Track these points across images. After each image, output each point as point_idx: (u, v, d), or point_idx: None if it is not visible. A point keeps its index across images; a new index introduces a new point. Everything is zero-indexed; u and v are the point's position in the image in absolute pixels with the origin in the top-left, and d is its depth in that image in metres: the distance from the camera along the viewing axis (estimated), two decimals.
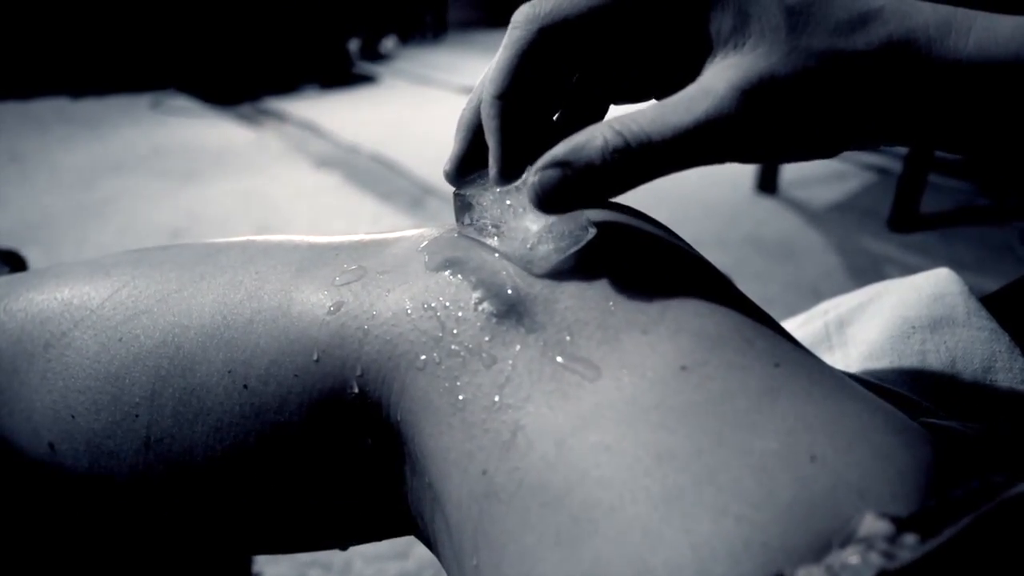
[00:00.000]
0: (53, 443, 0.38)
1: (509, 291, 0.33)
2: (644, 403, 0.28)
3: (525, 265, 0.34)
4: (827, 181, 2.92)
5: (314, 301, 0.36)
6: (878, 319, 0.46)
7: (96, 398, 0.37)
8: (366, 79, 4.93)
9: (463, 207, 0.36)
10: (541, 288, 0.33)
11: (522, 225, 0.34)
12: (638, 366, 0.29)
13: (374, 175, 2.95)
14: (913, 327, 0.45)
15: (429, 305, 0.34)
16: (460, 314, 0.33)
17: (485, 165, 0.37)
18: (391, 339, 0.34)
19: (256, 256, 0.40)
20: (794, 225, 2.48)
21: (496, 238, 0.35)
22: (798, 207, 2.63)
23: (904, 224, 2.43)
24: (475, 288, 0.33)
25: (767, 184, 2.78)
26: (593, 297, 0.32)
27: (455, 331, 0.33)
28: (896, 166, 2.98)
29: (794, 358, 0.30)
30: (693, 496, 0.25)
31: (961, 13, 0.31)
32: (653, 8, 0.32)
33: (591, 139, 0.31)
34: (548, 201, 0.32)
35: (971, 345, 0.44)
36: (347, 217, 2.51)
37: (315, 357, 0.35)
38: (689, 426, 0.27)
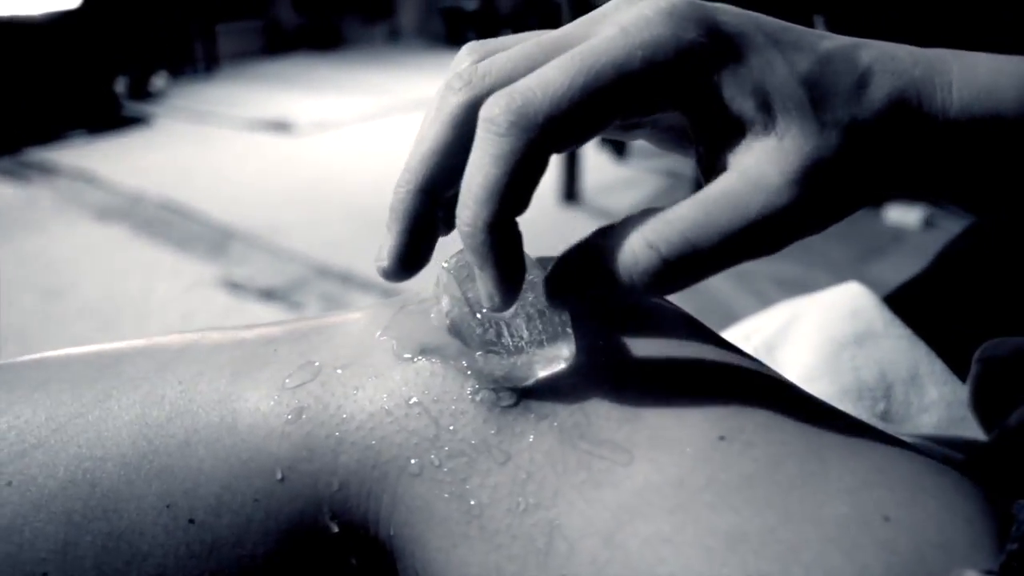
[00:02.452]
0: None
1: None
2: (693, 483, 0.26)
3: (508, 380, 0.30)
4: (626, 187, 3.05)
5: (266, 410, 0.31)
6: (805, 340, 0.47)
7: None
8: (138, 120, 4.61)
9: (460, 307, 0.31)
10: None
11: (512, 343, 0.31)
12: (672, 442, 0.27)
13: (165, 223, 2.76)
14: (840, 344, 0.46)
15: (414, 401, 0.30)
16: (455, 407, 0.29)
17: (425, 262, 0.32)
18: (373, 444, 0.30)
19: (171, 362, 0.34)
20: None
21: (481, 352, 0.31)
22: (602, 213, 2.74)
23: None
24: (468, 376, 0.30)
25: (571, 193, 2.86)
26: (597, 371, 0.30)
27: (452, 427, 0.29)
28: (685, 169, 3.17)
29: (816, 405, 0.30)
30: None
31: (938, 61, 0.30)
32: (663, 90, 0.28)
33: (617, 252, 0.28)
34: (569, 319, 0.30)
35: (895, 355, 0.46)
36: (143, 272, 2.33)
37: (278, 476, 0.30)
38: (750, 502, 0.25)
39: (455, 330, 0.32)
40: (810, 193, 0.28)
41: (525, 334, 0.31)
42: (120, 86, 4.72)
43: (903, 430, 0.42)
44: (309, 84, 5.52)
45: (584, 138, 0.29)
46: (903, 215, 2.73)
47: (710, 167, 0.30)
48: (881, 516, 0.25)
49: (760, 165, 0.28)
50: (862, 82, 0.29)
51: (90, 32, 4.44)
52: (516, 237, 0.29)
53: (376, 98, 5.02)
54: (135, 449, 0.31)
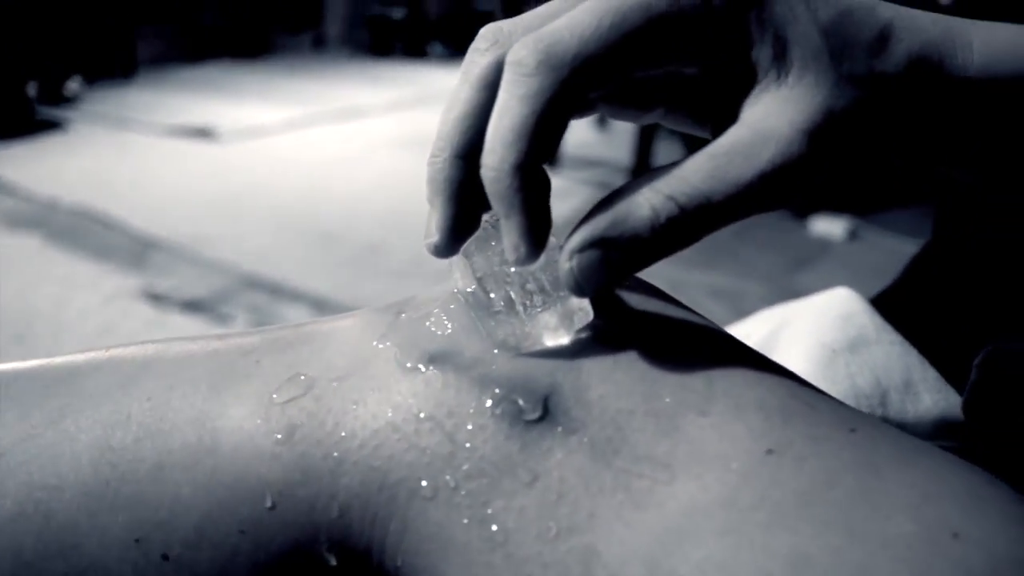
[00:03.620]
0: None
1: (530, 386, 0.27)
2: (743, 502, 0.24)
3: (518, 344, 0.28)
4: (555, 198, 3.04)
5: (251, 429, 0.28)
6: (796, 347, 0.46)
7: None
8: (52, 125, 4.40)
9: (473, 280, 0.30)
10: (562, 377, 0.27)
11: (535, 304, 0.29)
12: (716, 458, 0.25)
13: (82, 232, 2.64)
14: (834, 351, 0.44)
15: (425, 415, 0.27)
16: (472, 422, 0.26)
17: (474, 230, 0.30)
18: (378, 465, 0.27)
19: (136, 376, 0.30)
20: None
21: (495, 317, 0.29)
22: None
23: None
24: (485, 386, 0.27)
25: None
26: (625, 378, 0.27)
27: (469, 444, 0.26)
28: (617, 180, 3.19)
29: (854, 415, 0.28)
30: None
31: (957, 25, 0.30)
32: (689, 33, 0.27)
33: (635, 208, 0.27)
34: (589, 285, 0.27)
35: (888, 362, 0.45)
36: (58, 283, 2.22)
37: (268, 503, 0.27)
38: (809, 522, 0.23)
39: (468, 297, 0.30)
40: (820, 145, 0.27)
41: (539, 300, 0.29)
42: (32, 90, 4.50)
43: None
44: (233, 91, 5.39)
45: (611, 82, 0.28)
46: (829, 227, 2.79)
47: (722, 122, 0.29)
48: (949, 532, 0.23)
49: (770, 117, 0.28)
50: (883, 36, 0.28)
51: None
52: (544, 182, 0.28)
53: (302, 107, 4.93)
54: (97, 476, 0.28)
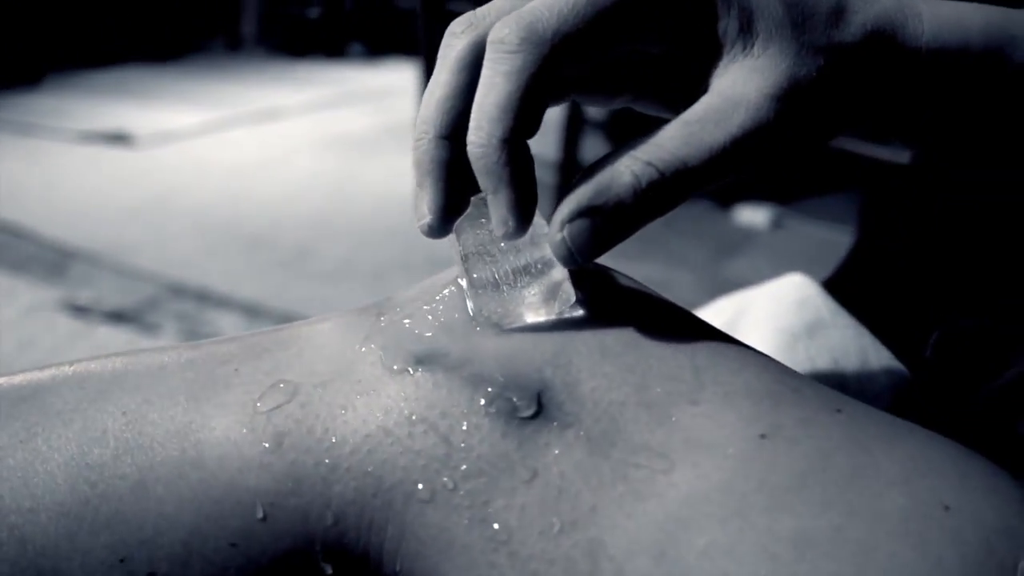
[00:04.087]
0: None
1: (522, 382, 0.27)
2: (742, 487, 0.24)
3: (500, 320, 0.29)
4: None
5: (237, 439, 0.27)
6: (757, 333, 0.47)
7: None
8: None
9: (469, 258, 0.30)
10: (552, 372, 0.27)
11: (534, 272, 0.30)
12: (711, 445, 0.25)
13: None
14: (793, 335, 0.46)
15: (417, 417, 0.27)
16: (467, 422, 0.26)
17: (463, 209, 0.31)
18: (371, 470, 0.26)
19: (107, 389, 0.29)
20: None
21: (479, 293, 0.30)
22: None
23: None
24: (477, 385, 0.27)
25: None
26: (615, 371, 0.27)
27: (465, 444, 0.26)
28: (544, 175, 3.21)
29: (836, 396, 0.29)
30: None
31: None
32: (661, 9, 0.29)
33: (617, 176, 0.28)
34: (581, 254, 0.28)
35: (844, 343, 0.46)
36: None
37: (259, 514, 0.26)
38: (808, 502, 0.24)
39: (464, 270, 0.31)
40: (789, 109, 0.29)
41: (523, 277, 0.30)
42: None
43: None
44: (147, 95, 5.22)
45: (588, 59, 0.29)
46: (753, 216, 2.86)
47: (691, 97, 0.31)
48: (941, 505, 0.24)
49: (738, 84, 0.29)
50: (839, 8, 0.30)
51: None
52: (529, 158, 0.29)
53: (220, 109, 4.81)
54: (75, 495, 0.26)
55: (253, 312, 2.10)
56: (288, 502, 0.26)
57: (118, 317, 2.06)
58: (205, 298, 2.19)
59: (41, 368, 0.32)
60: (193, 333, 1.99)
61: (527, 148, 0.29)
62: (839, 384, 0.45)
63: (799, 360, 0.45)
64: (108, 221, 2.79)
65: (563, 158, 3.45)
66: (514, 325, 0.29)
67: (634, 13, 0.28)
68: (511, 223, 0.28)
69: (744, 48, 0.29)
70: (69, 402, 0.29)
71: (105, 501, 0.26)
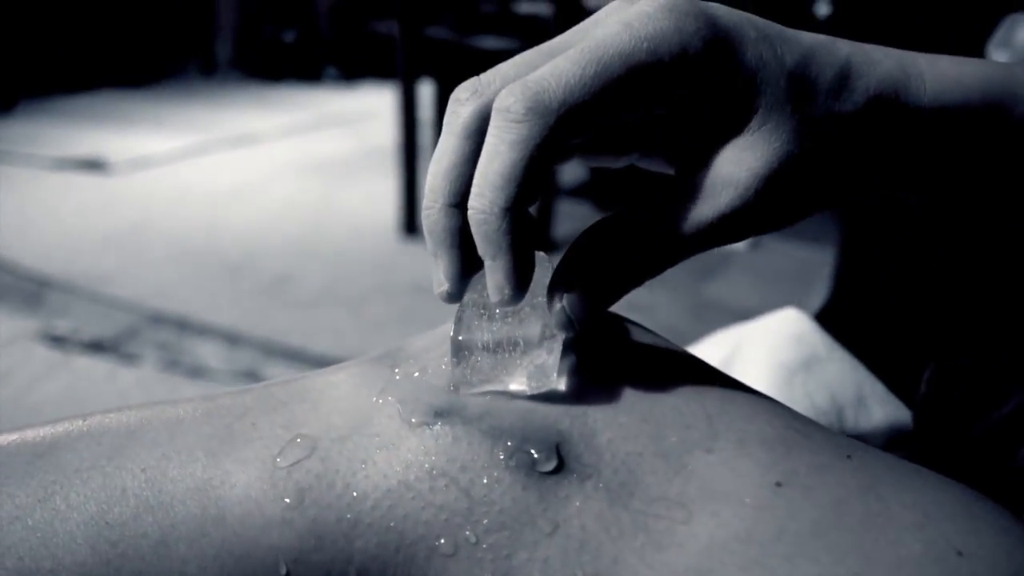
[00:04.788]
0: None
1: (540, 435, 0.27)
2: (762, 536, 0.25)
3: (479, 384, 0.30)
4: None
5: (258, 496, 0.27)
6: (753, 368, 0.47)
7: None
8: None
9: (463, 320, 0.31)
10: (569, 424, 0.28)
11: (524, 344, 0.30)
12: (729, 493, 0.26)
13: None
14: (790, 370, 0.46)
15: (437, 472, 0.27)
16: (487, 476, 0.27)
17: (477, 270, 0.31)
18: (393, 525, 0.26)
19: (124, 445, 0.29)
20: None
21: (464, 354, 0.30)
22: None
23: (548, 250, 2.63)
24: (496, 438, 0.27)
25: (411, 226, 2.83)
26: (630, 421, 0.28)
27: (487, 498, 0.26)
28: None
29: (844, 441, 0.29)
30: None
31: (907, 57, 0.31)
32: (668, 81, 0.29)
33: (610, 247, 0.29)
34: (579, 320, 0.28)
35: (841, 378, 0.47)
36: None
37: (283, 571, 0.26)
38: (827, 550, 0.24)
39: (460, 328, 0.31)
40: (775, 189, 0.29)
41: (512, 345, 0.30)
42: None
43: None
44: (121, 120, 5.20)
45: (594, 129, 0.30)
46: None
47: (690, 162, 0.31)
48: (954, 551, 0.24)
49: (730, 162, 0.30)
50: (843, 75, 0.30)
51: None
52: (530, 224, 0.29)
53: (195, 134, 4.79)
54: (96, 556, 0.26)
55: (234, 340, 2.09)
56: (311, 558, 0.26)
57: (97, 347, 2.03)
58: (185, 326, 2.17)
59: (54, 422, 0.31)
60: (173, 363, 1.97)
61: (528, 215, 0.29)
62: (837, 418, 0.45)
63: (796, 395, 0.46)
64: (84, 249, 2.77)
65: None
66: (490, 390, 0.30)
67: (640, 85, 0.28)
68: (507, 291, 0.28)
69: (742, 123, 0.30)
70: (86, 459, 0.29)
71: (127, 561, 0.26)
